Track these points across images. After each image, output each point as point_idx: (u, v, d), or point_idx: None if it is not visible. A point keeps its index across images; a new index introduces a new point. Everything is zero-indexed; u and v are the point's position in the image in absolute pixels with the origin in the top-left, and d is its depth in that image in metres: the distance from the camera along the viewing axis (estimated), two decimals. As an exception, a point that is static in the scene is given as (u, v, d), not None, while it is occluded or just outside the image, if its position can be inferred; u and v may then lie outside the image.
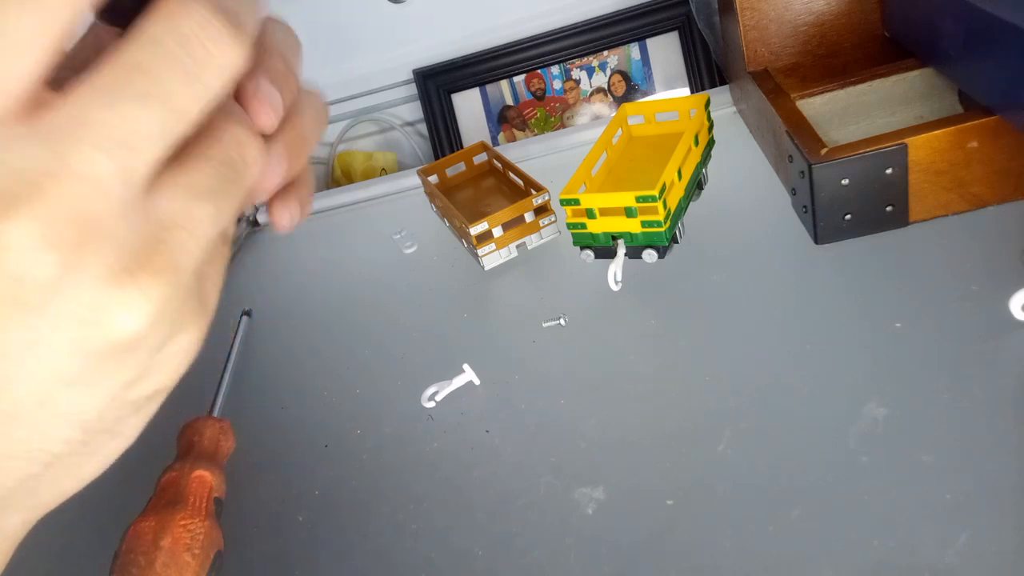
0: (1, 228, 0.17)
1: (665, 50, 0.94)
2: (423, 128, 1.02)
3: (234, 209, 0.22)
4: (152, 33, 0.19)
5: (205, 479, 0.47)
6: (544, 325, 0.57)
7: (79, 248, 0.17)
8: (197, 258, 0.20)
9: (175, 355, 0.21)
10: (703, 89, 0.93)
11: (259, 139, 0.22)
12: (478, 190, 0.74)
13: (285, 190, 0.26)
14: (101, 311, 0.18)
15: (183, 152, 0.20)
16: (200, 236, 0.20)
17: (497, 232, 0.64)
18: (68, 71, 0.21)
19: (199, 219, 0.20)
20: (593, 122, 0.93)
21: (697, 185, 0.62)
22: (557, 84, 0.97)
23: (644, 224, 0.55)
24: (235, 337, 0.66)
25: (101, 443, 0.21)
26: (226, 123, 0.21)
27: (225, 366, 0.62)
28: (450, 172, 0.76)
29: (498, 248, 0.64)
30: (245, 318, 0.69)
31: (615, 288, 0.57)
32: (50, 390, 0.19)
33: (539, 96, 0.97)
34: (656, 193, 0.53)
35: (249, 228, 0.89)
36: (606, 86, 0.96)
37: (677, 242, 0.57)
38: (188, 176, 0.20)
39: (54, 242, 0.17)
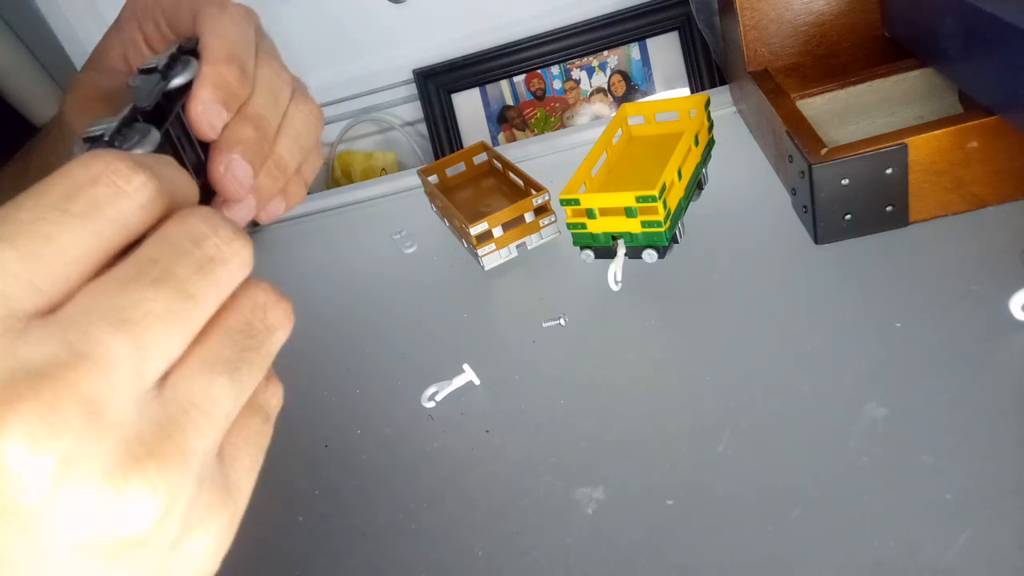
0: None
1: (665, 50, 0.94)
2: (423, 128, 1.02)
3: (257, 379, 0.21)
4: (165, 232, 0.20)
5: (205, 479, 0.47)
6: (544, 325, 0.57)
7: (81, 441, 0.16)
8: (214, 440, 0.19)
9: (198, 553, 0.20)
10: (703, 89, 0.93)
11: (284, 301, 0.22)
12: (478, 190, 0.74)
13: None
14: (105, 508, 0.17)
15: (202, 331, 0.20)
16: (217, 415, 0.19)
17: (497, 232, 0.64)
18: None
19: (215, 396, 0.19)
20: (593, 122, 0.93)
21: (697, 185, 0.62)
22: (557, 84, 0.97)
23: (644, 224, 0.55)
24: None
25: None
26: (245, 290, 0.21)
27: (225, 366, 0.62)
28: (450, 172, 0.76)
29: (498, 248, 0.64)
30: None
31: (615, 288, 0.57)
32: None
33: (539, 96, 0.97)
34: (656, 193, 0.53)
35: (249, 228, 0.89)
36: (606, 86, 0.96)
37: (677, 242, 0.57)
38: (202, 349, 0.19)
39: (53, 438, 0.16)
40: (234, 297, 0.21)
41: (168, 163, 0.21)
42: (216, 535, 0.20)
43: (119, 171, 0.19)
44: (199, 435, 0.18)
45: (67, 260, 0.18)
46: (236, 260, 0.20)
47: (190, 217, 0.20)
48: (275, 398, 0.22)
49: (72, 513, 0.17)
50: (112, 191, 0.19)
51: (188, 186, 0.21)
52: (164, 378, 0.19)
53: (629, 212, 0.54)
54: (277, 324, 0.22)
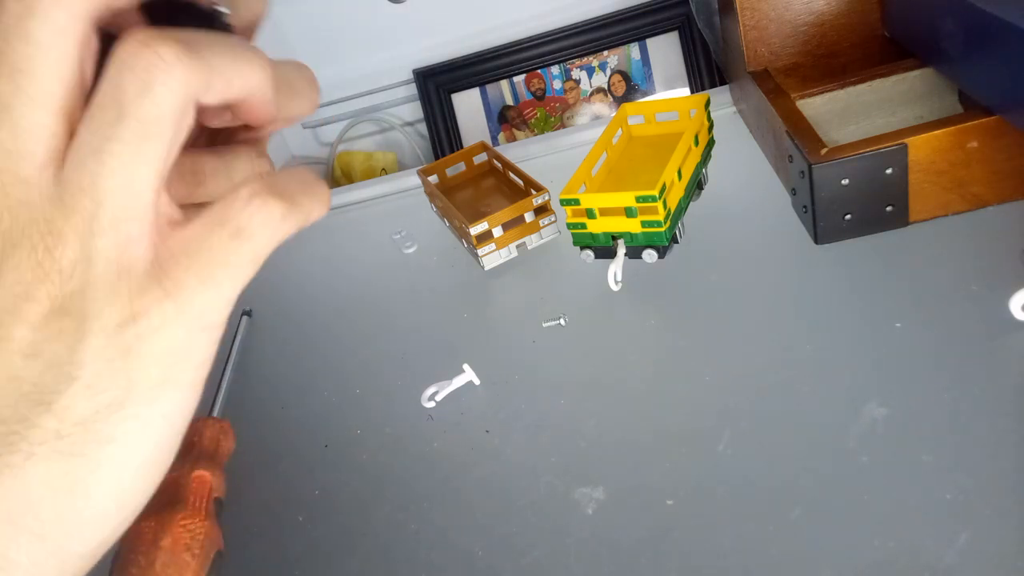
0: None
1: (665, 50, 0.94)
2: (423, 128, 1.02)
3: (137, 147, 0.20)
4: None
5: (205, 479, 0.47)
6: (544, 325, 0.57)
7: None
8: (119, 227, 0.20)
9: (149, 341, 0.21)
10: (703, 89, 0.93)
11: (163, 44, 0.20)
12: (478, 190, 0.74)
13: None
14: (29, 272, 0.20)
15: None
16: (106, 194, 0.20)
17: (497, 232, 0.64)
18: None
19: (98, 173, 0.20)
20: (593, 122, 0.93)
21: (697, 185, 0.62)
22: (557, 84, 0.97)
23: (644, 224, 0.55)
24: (235, 337, 0.66)
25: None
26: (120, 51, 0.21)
27: (225, 366, 0.62)
28: (450, 172, 0.76)
29: (498, 248, 0.64)
30: (245, 318, 0.69)
31: (615, 288, 0.57)
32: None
33: (539, 96, 0.97)
34: (656, 193, 0.53)
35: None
36: (606, 86, 0.96)
37: (677, 242, 0.57)
38: (80, 128, 0.20)
39: None
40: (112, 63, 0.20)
41: None
42: (166, 340, 0.21)
43: None
44: (89, 215, 0.20)
45: None
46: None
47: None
48: (260, 213, 0.21)
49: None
50: None
51: None
52: (60, 162, 0.20)
53: (629, 212, 0.54)
54: (151, 79, 0.20)
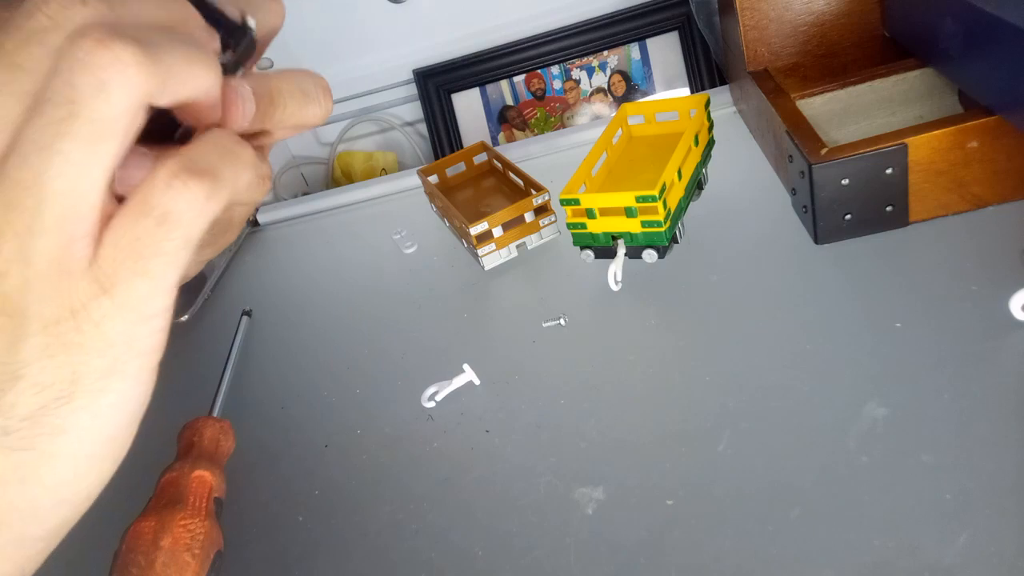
0: None
1: (665, 50, 0.94)
2: (423, 128, 1.02)
3: (87, 151, 0.20)
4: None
5: (205, 479, 0.47)
6: (544, 325, 0.57)
7: None
8: (59, 226, 0.20)
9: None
10: (703, 89, 0.93)
11: (114, 43, 0.20)
12: (478, 190, 0.74)
13: None
14: None
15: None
16: (45, 193, 0.20)
17: (497, 232, 0.64)
18: None
19: (33, 173, 0.20)
20: (593, 122, 0.93)
21: (697, 185, 0.62)
22: (557, 84, 0.97)
23: (644, 224, 0.55)
24: (235, 337, 0.66)
25: None
26: (67, 50, 0.20)
27: (225, 366, 0.62)
28: (450, 172, 0.76)
29: (498, 248, 0.64)
30: (245, 318, 0.69)
31: (615, 288, 0.57)
32: None
33: (539, 96, 0.97)
34: (656, 193, 0.53)
35: (249, 228, 0.89)
36: (606, 86, 0.96)
37: (677, 242, 0.57)
38: (26, 125, 0.20)
39: None
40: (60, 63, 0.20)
41: None
42: (107, 333, 0.21)
43: None
44: (31, 214, 0.20)
45: None
46: (67, 26, 0.20)
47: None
48: (182, 196, 0.21)
49: None
50: None
51: None
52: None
53: (629, 212, 0.54)
54: (105, 77, 0.19)
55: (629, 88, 0.96)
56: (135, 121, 0.20)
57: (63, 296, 0.20)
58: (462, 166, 0.76)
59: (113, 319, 0.21)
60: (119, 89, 0.19)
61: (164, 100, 0.21)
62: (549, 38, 0.94)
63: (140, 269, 0.21)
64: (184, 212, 0.21)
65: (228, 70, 0.24)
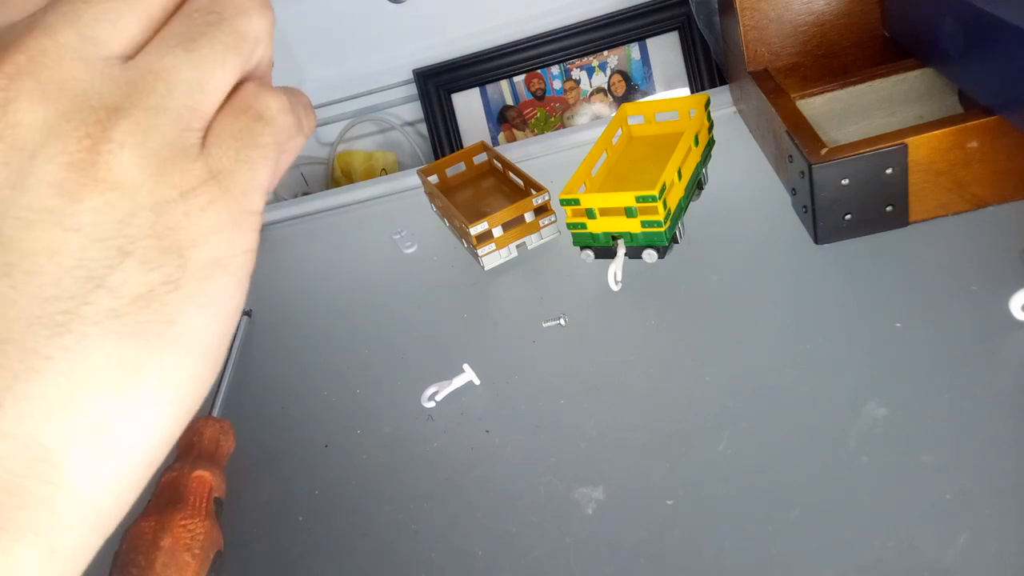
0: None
1: (665, 50, 0.94)
2: (423, 128, 1.02)
3: (222, 55, 0.22)
4: None
5: (205, 479, 0.47)
6: (544, 325, 0.57)
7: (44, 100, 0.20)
8: (179, 106, 0.21)
9: (196, 225, 0.22)
10: (703, 89, 0.93)
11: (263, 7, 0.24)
12: (478, 190, 0.74)
13: None
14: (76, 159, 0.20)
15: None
16: (177, 82, 0.21)
17: (497, 232, 0.64)
18: None
19: (169, 65, 0.21)
20: (593, 122, 0.93)
21: (697, 185, 0.62)
22: (557, 84, 0.97)
23: (644, 224, 0.55)
24: (235, 337, 0.66)
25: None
26: None
27: (225, 366, 0.62)
28: (450, 172, 0.76)
29: (498, 248, 0.64)
30: (245, 318, 0.69)
31: (615, 288, 0.57)
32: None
33: (539, 96, 0.97)
34: (656, 193, 0.53)
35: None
36: (606, 86, 0.96)
37: (677, 242, 0.57)
38: (163, 29, 0.22)
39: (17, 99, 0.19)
40: None
41: None
42: (213, 219, 0.21)
43: None
44: (158, 96, 0.21)
45: None
46: None
47: None
48: (275, 102, 0.23)
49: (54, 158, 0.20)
50: None
51: None
52: (130, 56, 0.21)
53: (629, 212, 0.54)
54: (247, 7, 0.23)
55: (629, 88, 0.96)
56: (259, 52, 0.23)
57: (173, 176, 0.21)
58: (462, 166, 0.76)
59: (218, 204, 0.21)
60: (257, 18, 0.23)
61: (260, 52, 0.24)
62: (549, 38, 0.94)
63: (243, 157, 0.22)
64: (276, 112, 0.23)
65: None
